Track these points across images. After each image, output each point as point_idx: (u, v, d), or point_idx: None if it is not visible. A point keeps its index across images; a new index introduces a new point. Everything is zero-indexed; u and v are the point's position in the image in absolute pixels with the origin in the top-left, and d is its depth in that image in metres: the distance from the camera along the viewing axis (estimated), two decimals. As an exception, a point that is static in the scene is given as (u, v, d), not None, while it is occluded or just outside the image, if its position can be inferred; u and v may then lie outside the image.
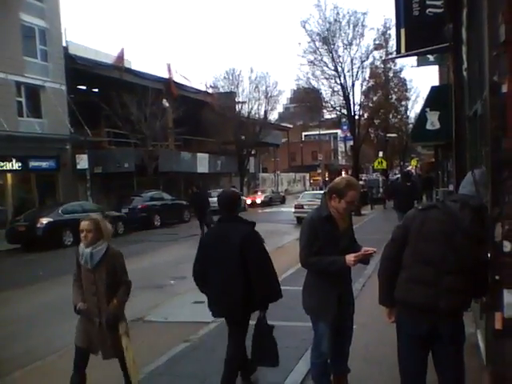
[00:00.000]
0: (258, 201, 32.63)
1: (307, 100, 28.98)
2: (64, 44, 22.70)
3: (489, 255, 2.62)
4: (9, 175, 19.79)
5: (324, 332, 3.47)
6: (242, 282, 3.60)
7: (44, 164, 20.88)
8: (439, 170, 17.94)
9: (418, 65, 14.61)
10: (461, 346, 2.75)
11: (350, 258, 3.22)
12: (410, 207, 3.67)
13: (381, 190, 28.48)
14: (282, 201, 35.48)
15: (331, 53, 24.59)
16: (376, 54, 26.07)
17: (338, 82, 25.04)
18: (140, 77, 26.27)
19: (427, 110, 10.41)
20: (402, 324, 2.82)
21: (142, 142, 24.75)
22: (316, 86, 26.80)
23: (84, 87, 27.44)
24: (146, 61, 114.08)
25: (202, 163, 30.55)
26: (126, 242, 16.03)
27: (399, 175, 44.03)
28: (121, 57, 25.86)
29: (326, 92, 26.52)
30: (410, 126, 33.66)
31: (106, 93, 23.07)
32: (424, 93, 42.51)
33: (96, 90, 27.48)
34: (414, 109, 38.21)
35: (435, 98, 10.36)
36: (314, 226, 3.34)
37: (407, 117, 37.57)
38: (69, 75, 22.30)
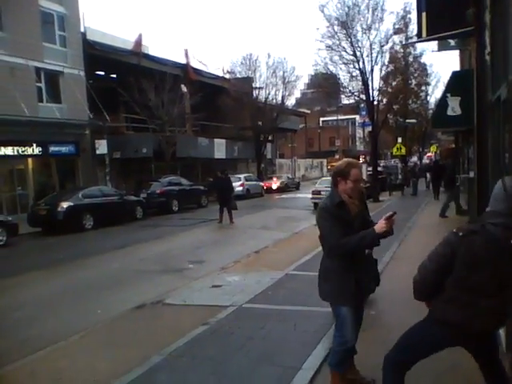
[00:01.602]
0: (274, 187, 32.52)
1: (325, 85, 28.62)
2: (82, 30, 22.79)
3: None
4: (29, 160, 20.10)
5: (346, 315, 3.45)
6: None
7: (64, 149, 21.15)
8: (460, 157, 17.67)
9: (439, 49, 14.25)
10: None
11: (379, 225, 3.21)
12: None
13: (399, 176, 28.17)
14: (297, 187, 35.38)
15: (350, 37, 24.17)
16: (396, 38, 25.52)
17: (357, 67, 24.64)
18: (158, 62, 26.30)
19: (448, 95, 10.22)
20: (433, 332, 2.83)
21: (159, 127, 24.87)
22: (334, 72, 26.42)
23: (102, 73, 27.59)
24: (163, 46, 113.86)
25: (220, 149, 30.61)
26: (145, 226, 16.28)
27: (418, 162, 43.55)
28: (138, 42, 25.89)
29: (344, 77, 26.14)
30: (430, 111, 33.11)
31: (124, 79, 23.16)
32: (444, 78, 41.75)
33: (114, 75, 27.61)
34: (434, 94, 37.56)
35: (456, 83, 10.16)
36: (331, 212, 3.36)
37: (427, 102, 36.94)
38: (87, 61, 22.42)
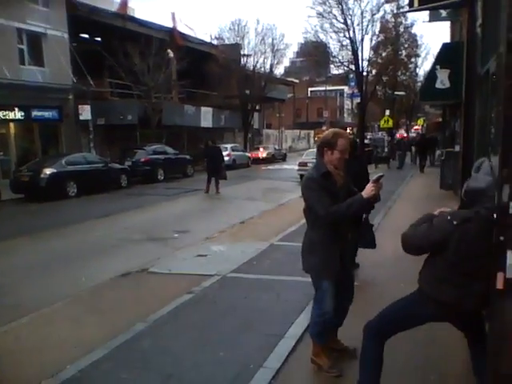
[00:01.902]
0: (261, 157, 32.35)
1: (314, 54, 28.35)
2: (65, -11, 21.93)
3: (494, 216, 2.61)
4: (11, 124, 19.63)
5: (327, 289, 3.46)
6: None
7: (47, 114, 20.66)
8: (446, 130, 17.73)
9: (430, 20, 14.09)
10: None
11: (367, 189, 3.17)
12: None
13: (386, 149, 28.26)
14: (284, 158, 35.25)
15: (341, 5, 23.83)
16: (387, 7, 25.26)
17: (347, 35, 24.39)
18: (144, 26, 25.54)
19: (437, 67, 10.17)
20: (421, 307, 2.85)
21: (145, 93, 24.36)
22: (324, 40, 26.17)
23: (86, 36, 26.76)
24: (149, 9, 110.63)
25: (206, 117, 30.20)
26: (129, 194, 16.17)
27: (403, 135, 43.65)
28: (124, 4, 25.07)
29: (334, 46, 25.91)
30: (419, 84, 33.00)
31: (109, 42, 22.49)
32: (435, 50, 41.46)
33: (99, 38, 26.81)
34: (424, 66, 37.44)
35: (446, 55, 10.09)
36: (318, 182, 3.32)
37: (416, 74, 36.79)
38: (70, 23, 21.68)
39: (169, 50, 25.40)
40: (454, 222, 2.64)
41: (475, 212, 2.63)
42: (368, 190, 3.16)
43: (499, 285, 2.45)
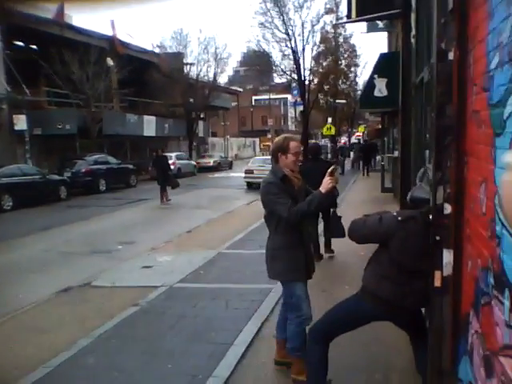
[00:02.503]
0: (207, 166, 32.20)
1: (257, 63, 28.69)
2: (-3, -6, 20.91)
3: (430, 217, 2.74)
4: None
5: (301, 292, 3.40)
6: None
7: (-22, 124, 19.57)
8: (385, 137, 18.45)
9: (368, 31, 14.70)
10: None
11: (324, 182, 3.18)
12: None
13: (329, 155, 29.02)
14: (230, 166, 35.29)
15: (282, 15, 24.30)
16: (327, 18, 26.02)
17: (289, 45, 24.89)
18: (82, 33, 24.81)
19: (375, 76, 10.58)
20: (363, 305, 2.92)
21: (84, 102, 23.62)
22: (266, 50, 26.53)
23: (22, 44, 25.61)
24: (88, 16, 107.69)
25: (149, 126, 29.67)
26: (70, 207, 15.56)
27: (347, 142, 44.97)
28: (60, 11, 24.22)
29: (276, 56, 26.38)
30: (359, 92, 34.19)
31: (46, 50, 21.64)
32: (373, 60, 43.09)
33: (35, 46, 25.72)
34: (363, 75, 38.76)
35: (383, 64, 10.52)
36: (278, 185, 3.32)
37: (356, 83, 38.09)
38: (4, 30, 20.68)
39: (108, 58, 24.79)
40: (399, 218, 2.78)
41: (420, 212, 2.79)
42: (325, 184, 3.17)
43: (437, 283, 2.57)
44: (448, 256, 2.54)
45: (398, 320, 2.99)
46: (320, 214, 6.56)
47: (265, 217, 3.54)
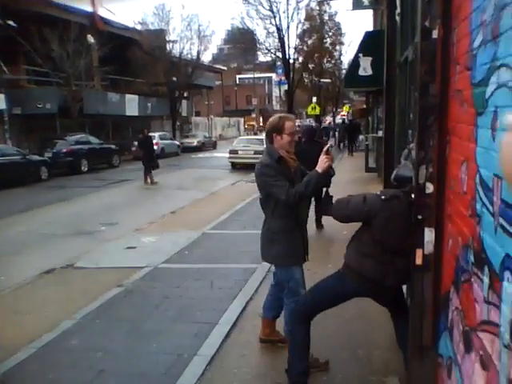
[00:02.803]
0: (190, 145, 31.90)
1: (242, 41, 28.31)
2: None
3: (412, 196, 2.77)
4: None
5: (299, 276, 3.38)
6: None
7: (-45, 104, 19.02)
8: (370, 117, 18.47)
9: (353, 8, 14.51)
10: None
11: (320, 162, 3.10)
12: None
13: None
14: (214, 146, 35.04)
15: (266, -9, 23.89)
16: (312, -5, 25.68)
17: (273, 23, 24.61)
18: (61, 9, 24.10)
19: (360, 55, 10.52)
20: (346, 283, 2.94)
21: (64, 81, 23.10)
22: (251, 27, 26.18)
23: (-2, 20, 24.79)
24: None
25: (132, 105, 29.20)
26: (51, 187, 15.33)
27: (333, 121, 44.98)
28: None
29: (260, 33, 26.07)
30: (344, 71, 34.08)
31: (25, 27, 21.00)
32: (358, 38, 42.84)
33: (12, 23, 24.90)
34: (348, 54, 38.66)
35: (368, 43, 10.45)
36: (274, 167, 3.25)
37: (341, 62, 37.96)
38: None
39: (89, 36, 24.20)
40: (383, 197, 2.80)
41: (402, 191, 2.80)
42: (322, 163, 3.10)
43: (418, 261, 2.60)
44: (429, 234, 2.57)
45: (380, 297, 3.04)
46: None
47: (260, 200, 3.46)
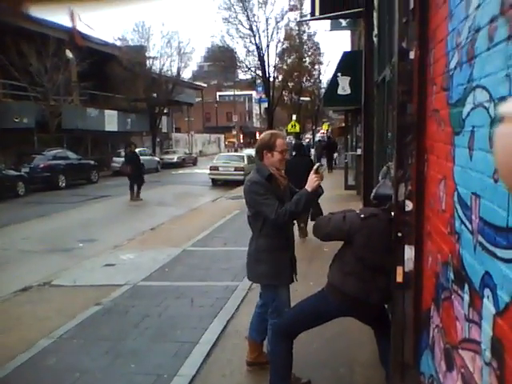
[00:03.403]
0: (170, 162, 31.72)
1: (222, 59, 28.52)
2: None
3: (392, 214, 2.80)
4: None
5: (286, 297, 3.34)
6: None
7: None
8: (349, 135, 18.74)
9: (331, 29, 14.86)
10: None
11: (310, 181, 3.10)
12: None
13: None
14: (194, 162, 34.96)
15: (246, 11, 24.29)
16: (291, 15, 26.18)
17: (253, 42, 24.90)
18: (39, 24, 23.95)
19: (339, 74, 10.72)
20: (329, 302, 2.94)
21: (42, 95, 22.86)
22: (231, 45, 26.45)
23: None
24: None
25: (111, 121, 29.00)
26: (28, 203, 15.04)
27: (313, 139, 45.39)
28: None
29: (240, 52, 26.31)
30: (323, 90, 34.60)
31: (1, 40, 20.81)
32: (337, 58, 43.69)
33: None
34: (327, 73, 39.28)
35: (347, 63, 10.67)
36: (264, 185, 3.19)
37: (320, 81, 38.47)
38: (-46, 17, 19.75)
39: (67, 50, 24.08)
40: (362, 216, 2.83)
41: (382, 209, 2.84)
42: (311, 182, 3.09)
43: (399, 278, 2.63)
44: (409, 252, 2.61)
45: (363, 315, 3.04)
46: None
47: (248, 217, 3.39)
